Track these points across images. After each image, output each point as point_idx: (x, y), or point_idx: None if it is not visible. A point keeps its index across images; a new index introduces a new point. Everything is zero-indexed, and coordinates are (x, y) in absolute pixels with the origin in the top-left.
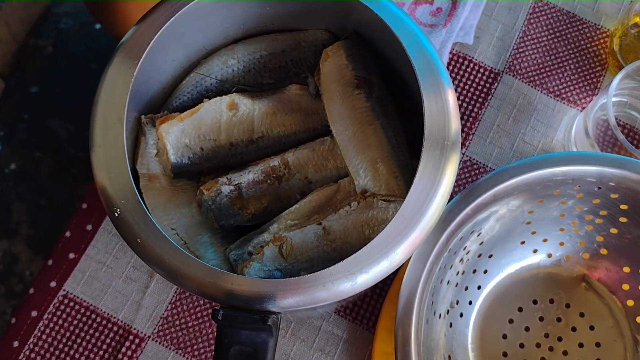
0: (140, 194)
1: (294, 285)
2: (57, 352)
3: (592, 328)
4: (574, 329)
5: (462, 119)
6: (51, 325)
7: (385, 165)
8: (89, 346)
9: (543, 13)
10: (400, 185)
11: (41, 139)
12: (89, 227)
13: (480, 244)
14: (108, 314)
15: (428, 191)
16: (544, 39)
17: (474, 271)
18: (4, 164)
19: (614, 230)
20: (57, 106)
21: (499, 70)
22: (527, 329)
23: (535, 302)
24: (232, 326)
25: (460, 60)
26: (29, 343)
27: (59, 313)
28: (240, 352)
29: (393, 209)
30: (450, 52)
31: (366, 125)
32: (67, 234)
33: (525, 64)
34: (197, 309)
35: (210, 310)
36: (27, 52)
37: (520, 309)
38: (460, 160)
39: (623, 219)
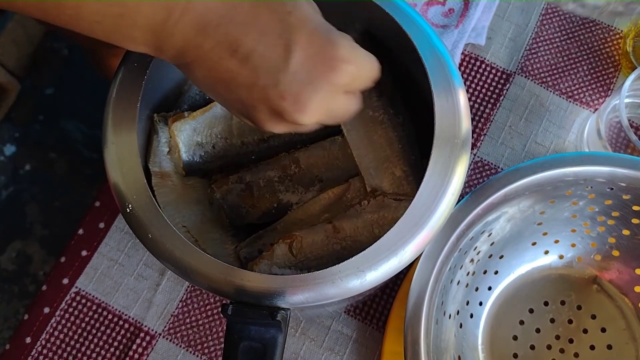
0: (153, 191)
1: (303, 282)
2: (68, 349)
3: (603, 330)
4: (585, 331)
5: (473, 119)
6: (63, 321)
7: (395, 164)
8: (101, 343)
9: (556, 14)
10: (411, 184)
11: (56, 140)
12: (102, 225)
13: (491, 244)
14: (119, 311)
15: (438, 189)
16: (557, 40)
17: (485, 272)
18: (19, 165)
19: (626, 232)
20: (71, 108)
21: (511, 71)
22: (538, 330)
23: (546, 303)
24: (241, 321)
25: (472, 61)
26: (41, 339)
27: (71, 310)
28: (249, 348)
29: (403, 208)
30: (462, 53)
31: (377, 124)
32: (80, 231)
33: (538, 65)
34: (208, 307)
35: (220, 309)
36: (43, 55)
37: (531, 311)
38: (472, 161)
39: (635, 220)
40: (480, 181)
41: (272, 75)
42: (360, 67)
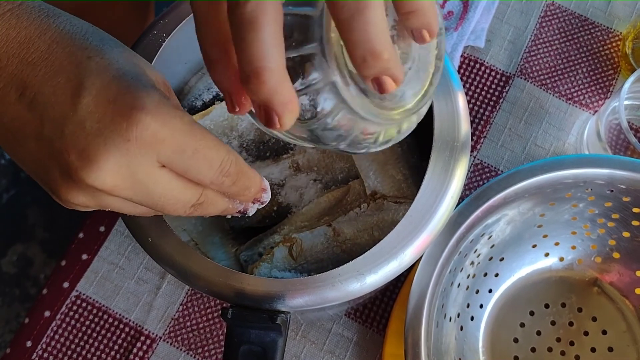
0: None
1: (303, 285)
2: (69, 352)
3: (604, 332)
4: (586, 334)
5: (473, 122)
6: (64, 325)
7: (395, 167)
8: (101, 346)
9: (555, 16)
10: (411, 187)
11: None
12: (102, 229)
13: (491, 247)
14: (120, 315)
15: (437, 192)
16: (556, 42)
17: (485, 274)
18: (19, 168)
19: (626, 234)
20: None
21: (510, 73)
22: (538, 333)
23: (547, 306)
24: (241, 325)
25: (472, 63)
26: (41, 343)
27: (71, 313)
28: (249, 352)
29: (403, 210)
30: (462, 56)
31: None
32: (80, 235)
33: (537, 67)
34: (208, 310)
35: (220, 312)
36: None
37: (531, 313)
38: (472, 164)
39: (635, 222)
40: (481, 183)
41: (58, 123)
42: (173, 131)
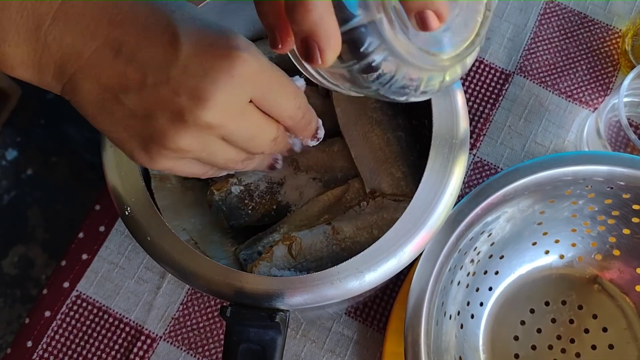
0: (152, 194)
1: (302, 283)
2: (69, 352)
3: (605, 330)
4: (586, 331)
5: (472, 120)
6: (64, 325)
7: (394, 165)
8: (101, 346)
9: (554, 14)
10: (410, 184)
11: (57, 144)
12: (102, 229)
13: (491, 244)
14: (120, 315)
15: (436, 190)
16: (555, 39)
17: (485, 272)
18: (20, 169)
19: (626, 231)
20: (72, 112)
21: (510, 71)
22: (539, 330)
23: (547, 303)
24: (240, 323)
25: None
26: (42, 343)
27: (71, 313)
28: (248, 350)
29: (402, 208)
30: None
31: (375, 125)
32: (80, 235)
33: (537, 65)
34: (209, 310)
35: (219, 311)
36: None
37: (532, 311)
38: (471, 161)
39: (635, 219)
40: (480, 181)
41: (162, 71)
42: (265, 67)
